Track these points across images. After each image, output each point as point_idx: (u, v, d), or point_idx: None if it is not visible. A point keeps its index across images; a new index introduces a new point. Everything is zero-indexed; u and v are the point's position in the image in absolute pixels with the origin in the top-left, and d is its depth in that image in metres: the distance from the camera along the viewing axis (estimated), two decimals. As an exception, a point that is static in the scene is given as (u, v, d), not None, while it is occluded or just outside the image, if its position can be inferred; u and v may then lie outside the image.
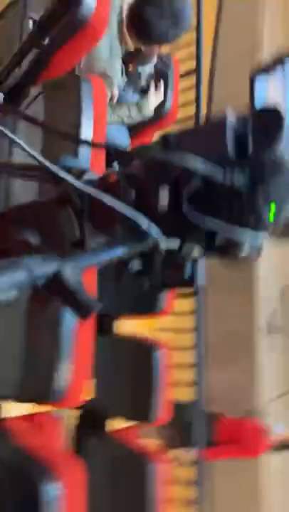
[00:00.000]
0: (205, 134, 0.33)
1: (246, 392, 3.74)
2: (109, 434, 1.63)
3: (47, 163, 0.47)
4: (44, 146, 1.26)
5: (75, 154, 1.18)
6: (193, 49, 2.88)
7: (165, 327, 2.85)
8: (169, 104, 2.10)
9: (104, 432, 1.62)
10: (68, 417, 1.69)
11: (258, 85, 0.39)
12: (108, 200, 0.38)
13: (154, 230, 0.36)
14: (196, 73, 2.84)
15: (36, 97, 1.35)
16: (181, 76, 2.51)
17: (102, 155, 1.23)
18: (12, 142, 1.45)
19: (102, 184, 0.49)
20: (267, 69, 0.39)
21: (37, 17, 0.82)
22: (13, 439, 1.06)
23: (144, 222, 0.36)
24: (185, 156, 0.31)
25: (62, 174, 0.45)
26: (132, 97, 2.02)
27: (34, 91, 1.39)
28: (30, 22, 0.82)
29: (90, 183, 0.51)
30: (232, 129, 0.30)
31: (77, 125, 1.17)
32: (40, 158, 0.46)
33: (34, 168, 0.66)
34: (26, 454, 0.98)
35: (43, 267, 0.27)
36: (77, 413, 1.71)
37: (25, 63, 1.20)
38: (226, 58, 4.81)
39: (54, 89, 1.30)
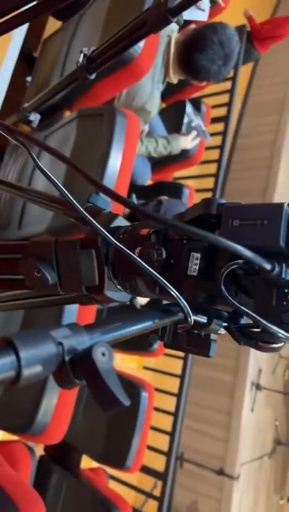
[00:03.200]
0: (255, 214, 0.31)
1: (221, 448, 3.62)
2: (79, 471, 1.55)
3: (79, 207, 0.46)
4: (69, 168, 1.26)
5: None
6: (221, 98, 2.98)
7: (150, 366, 2.79)
8: (195, 147, 2.13)
9: (74, 469, 1.54)
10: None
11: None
12: (139, 261, 0.36)
13: (183, 301, 0.34)
14: (225, 120, 2.92)
15: (70, 121, 1.37)
16: (211, 122, 2.58)
17: (124, 189, 1.23)
18: (34, 168, 1.46)
19: (131, 235, 0.48)
20: None
21: (88, 52, 0.83)
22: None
23: (175, 293, 0.34)
24: (234, 244, 0.29)
25: (92, 221, 0.43)
26: (162, 131, 2.05)
27: (70, 115, 1.41)
28: (81, 55, 0.83)
29: (118, 230, 0.49)
30: (287, 219, 0.29)
31: (106, 156, 1.18)
32: (73, 201, 0.45)
33: (59, 201, 0.65)
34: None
35: (72, 341, 0.25)
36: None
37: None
38: (255, 109, 4.96)
39: (89, 117, 1.32)
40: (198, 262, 0.39)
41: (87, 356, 0.23)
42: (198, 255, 0.39)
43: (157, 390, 1.89)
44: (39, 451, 1.69)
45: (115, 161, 1.17)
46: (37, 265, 0.50)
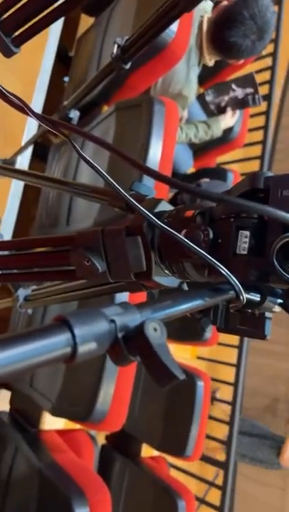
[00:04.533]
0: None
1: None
2: (140, 460, 1.58)
3: (123, 192, 0.46)
4: (110, 162, 1.28)
5: (141, 175, 1.18)
6: (262, 75, 2.85)
7: (203, 356, 2.77)
8: (237, 129, 2.07)
9: (135, 457, 1.57)
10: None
11: None
12: (186, 242, 0.36)
13: (233, 278, 0.33)
14: (268, 100, 2.79)
15: (108, 116, 1.38)
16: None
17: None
18: (78, 165, 1.48)
19: (176, 218, 0.48)
20: None
21: (121, 42, 0.83)
22: (49, 452, 1.06)
23: (224, 270, 0.34)
24: (286, 214, 0.28)
25: (137, 206, 0.43)
26: (202, 116, 2.01)
27: (107, 109, 1.42)
28: (115, 46, 0.83)
29: (163, 214, 0.49)
30: None
31: (146, 146, 1.17)
32: (117, 187, 0.45)
33: (103, 192, 0.66)
34: (61, 470, 0.97)
35: (123, 318, 0.25)
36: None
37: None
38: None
39: (127, 108, 1.32)
40: (247, 240, 0.38)
41: (139, 332, 0.24)
42: (247, 233, 0.38)
43: (213, 379, 1.87)
44: (100, 440, 1.75)
45: (155, 151, 1.17)
46: (86, 255, 0.51)
